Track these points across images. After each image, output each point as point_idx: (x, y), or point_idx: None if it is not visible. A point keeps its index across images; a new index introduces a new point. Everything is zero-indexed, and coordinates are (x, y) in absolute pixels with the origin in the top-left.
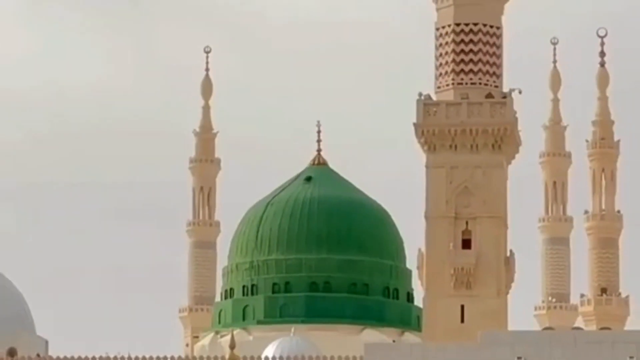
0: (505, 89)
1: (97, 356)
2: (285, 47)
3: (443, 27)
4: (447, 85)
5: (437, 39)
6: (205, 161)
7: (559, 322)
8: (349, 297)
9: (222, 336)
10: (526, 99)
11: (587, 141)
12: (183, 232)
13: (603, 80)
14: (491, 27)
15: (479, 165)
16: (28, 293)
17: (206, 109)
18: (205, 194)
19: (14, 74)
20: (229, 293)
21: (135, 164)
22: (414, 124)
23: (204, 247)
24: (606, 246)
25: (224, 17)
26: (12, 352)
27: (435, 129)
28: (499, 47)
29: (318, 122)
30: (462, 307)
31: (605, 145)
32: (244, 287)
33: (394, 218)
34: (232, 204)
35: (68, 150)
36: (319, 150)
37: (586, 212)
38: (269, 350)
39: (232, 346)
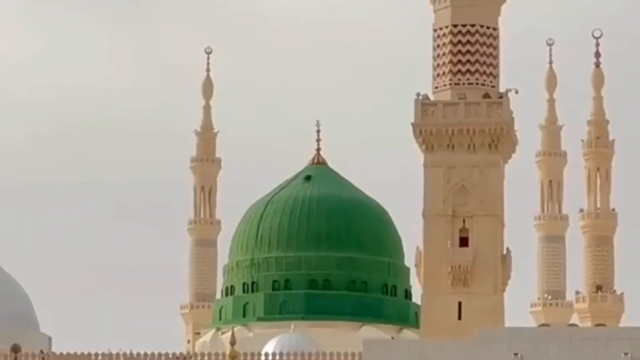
0: (502, 89)
1: (99, 353)
2: (285, 48)
3: (440, 29)
4: (445, 85)
5: (434, 40)
6: (206, 160)
7: (555, 318)
8: (348, 294)
9: (222, 333)
10: (522, 99)
11: (582, 141)
12: (184, 230)
13: (598, 80)
14: (488, 28)
15: (476, 165)
16: (31, 291)
17: (207, 109)
18: (206, 193)
19: (14, 74)
20: (229, 290)
21: (137, 163)
22: (412, 124)
23: (205, 245)
24: (601, 244)
25: (225, 18)
26: (16, 349)
27: (432, 128)
28: (496, 48)
29: (317, 121)
30: (460, 304)
31: (600, 145)
32: (244, 284)
33: (392, 216)
34: (232, 202)
35: (69, 150)
36: (318, 150)
37: (581, 210)
38: (269, 347)
39: (233, 342)
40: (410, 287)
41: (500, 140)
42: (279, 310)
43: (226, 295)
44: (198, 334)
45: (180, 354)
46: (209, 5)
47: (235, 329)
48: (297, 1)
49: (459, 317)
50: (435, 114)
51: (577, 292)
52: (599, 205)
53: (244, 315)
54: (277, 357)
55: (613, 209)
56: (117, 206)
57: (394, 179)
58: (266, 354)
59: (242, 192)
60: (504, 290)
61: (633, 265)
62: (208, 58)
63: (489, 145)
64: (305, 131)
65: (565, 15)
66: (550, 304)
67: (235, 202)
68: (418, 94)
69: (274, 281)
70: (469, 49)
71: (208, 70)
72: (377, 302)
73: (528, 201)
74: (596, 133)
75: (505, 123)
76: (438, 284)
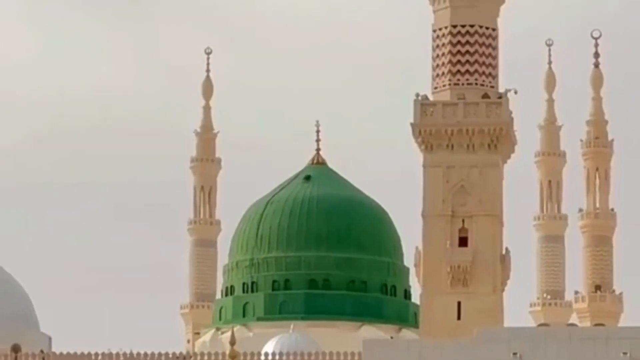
0: (501, 90)
1: (99, 352)
2: (285, 48)
3: (440, 29)
4: (444, 85)
5: (434, 40)
6: (206, 161)
7: (554, 318)
8: (347, 294)
9: (222, 332)
10: (521, 99)
11: (581, 141)
12: (184, 230)
13: (597, 80)
14: (487, 28)
15: (475, 165)
16: (31, 291)
17: (207, 109)
18: (206, 193)
19: (14, 74)
20: (229, 290)
21: (137, 163)
22: (411, 124)
23: (204, 245)
24: (600, 244)
25: (225, 18)
26: (16, 349)
27: (432, 128)
28: (495, 48)
29: (317, 122)
30: (459, 304)
31: (599, 145)
32: (244, 284)
33: (391, 216)
34: (232, 202)
35: (69, 150)
36: (318, 150)
37: (580, 210)
38: (269, 347)
39: (233, 342)
40: (409, 287)
41: (499, 140)
42: (278, 310)
43: (226, 295)
44: (198, 333)
45: (180, 353)
46: (208, 6)
47: (235, 329)
48: (296, 1)
49: (458, 317)
50: (435, 114)
51: (576, 292)
52: (598, 205)
53: (244, 315)
54: (277, 357)
55: (612, 209)
56: (117, 206)
57: (393, 179)
58: (266, 354)
59: (242, 192)
60: (503, 290)
61: (632, 265)
62: (208, 58)
63: (488, 145)
64: (304, 131)
65: (564, 16)
66: (550, 304)
67: (235, 202)
68: (417, 94)
69: (274, 281)
70: (468, 49)
71: (208, 70)
72: (376, 302)
73: (527, 201)
74: (595, 133)
75: (504, 123)
76: (437, 284)
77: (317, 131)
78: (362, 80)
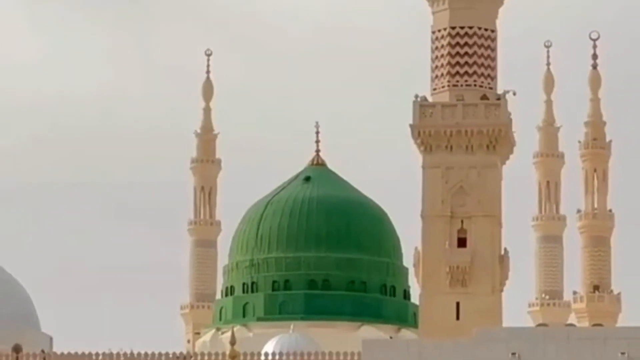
0: (500, 91)
1: (100, 352)
2: (285, 50)
3: (439, 31)
4: (443, 87)
5: (433, 42)
6: (206, 161)
7: (552, 318)
8: (347, 295)
9: (222, 333)
10: (520, 101)
11: (579, 142)
12: (184, 231)
13: (595, 82)
14: (486, 30)
15: (474, 166)
16: (32, 291)
17: (207, 110)
18: (206, 194)
19: (15, 75)
20: (229, 290)
21: (138, 164)
22: (410, 125)
23: (205, 246)
24: (598, 244)
25: (224, 20)
26: (17, 349)
27: (431, 130)
28: (494, 49)
29: (317, 123)
30: (458, 304)
31: (597, 146)
32: (244, 284)
33: (391, 217)
34: (232, 203)
35: (70, 151)
36: (317, 151)
37: (579, 211)
38: (269, 347)
39: (233, 342)
40: (408, 287)
41: (498, 141)
42: (278, 310)
43: (226, 295)
44: (198, 333)
45: (181, 353)
46: (208, 7)
47: (235, 329)
48: (296, 3)
49: (457, 317)
50: (434, 115)
51: (575, 292)
52: (596, 205)
53: (244, 315)
54: (277, 357)
55: (610, 210)
56: (118, 207)
57: (392, 180)
58: (266, 354)
59: (242, 192)
60: (501, 290)
61: (630, 266)
62: (208, 60)
63: (487, 146)
64: (304, 132)
65: (562, 18)
66: (548, 304)
67: (235, 203)
68: (416, 96)
69: (274, 281)
70: (467, 50)
71: (208, 72)
72: (376, 302)
73: (526, 202)
74: (593, 134)
75: (503, 124)
76: (436, 284)
77: (317, 132)
78: (361, 81)
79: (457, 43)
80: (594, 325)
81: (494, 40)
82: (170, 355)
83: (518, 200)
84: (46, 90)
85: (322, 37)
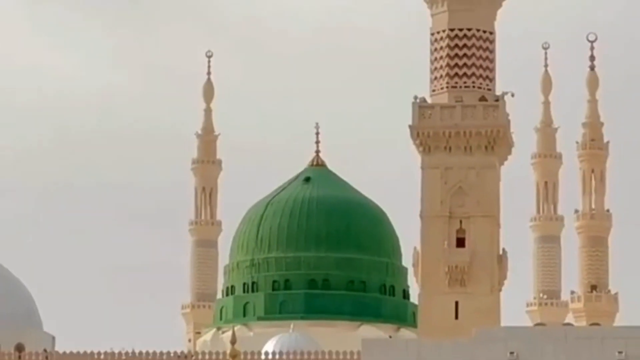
0: (498, 92)
1: (102, 352)
2: (285, 51)
3: (438, 32)
4: (442, 88)
5: (431, 43)
6: (207, 162)
7: (550, 318)
8: (346, 294)
9: (223, 332)
10: (518, 102)
11: (577, 143)
12: (185, 231)
13: (593, 83)
14: (484, 32)
15: (473, 166)
16: (35, 291)
17: (208, 112)
18: (207, 194)
19: (15, 76)
20: (230, 290)
21: (139, 165)
22: (410, 126)
23: (205, 246)
24: (596, 244)
25: (225, 21)
26: (19, 348)
27: (430, 131)
28: (492, 51)
29: (317, 124)
30: (457, 303)
31: (594, 147)
32: (244, 284)
33: (390, 217)
34: (233, 203)
35: (72, 152)
36: (317, 152)
37: (576, 211)
38: (269, 346)
39: (233, 342)
40: (408, 287)
41: (496, 142)
42: (278, 309)
43: (227, 295)
44: (199, 333)
45: (182, 352)
46: (209, 9)
47: (235, 328)
48: (296, 5)
49: (456, 317)
50: (433, 116)
51: (572, 292)
52: (593, 206)
53: (244, 315)
54: (277, 356)
55: (607, 210)
56: (120, 207)
57: (392, 181)
58: (266, 353)
59: (242, 193)
60: (500, 290)
61: (627, 266)
62: (209, 61)
63: (486, 147)
64: (304, 133)
65: (560, 20)
66: (546, 304)
67: (236, 203)
68: (415, 97)
69: (274, 281)
70: (466, 52)
71: (209, 73)
72: (375, 302)
73: (524, 202)
74: (591, 135)
75: (501, 125)
76: (435, 284)
77: (317, 133)
78: (361, 82)
79: (456, 45)
80: (592, 324)
81: (492, 42)
82: (172, 355)
83: (516, 201)
84: (46, 91)
85: (322, 39)
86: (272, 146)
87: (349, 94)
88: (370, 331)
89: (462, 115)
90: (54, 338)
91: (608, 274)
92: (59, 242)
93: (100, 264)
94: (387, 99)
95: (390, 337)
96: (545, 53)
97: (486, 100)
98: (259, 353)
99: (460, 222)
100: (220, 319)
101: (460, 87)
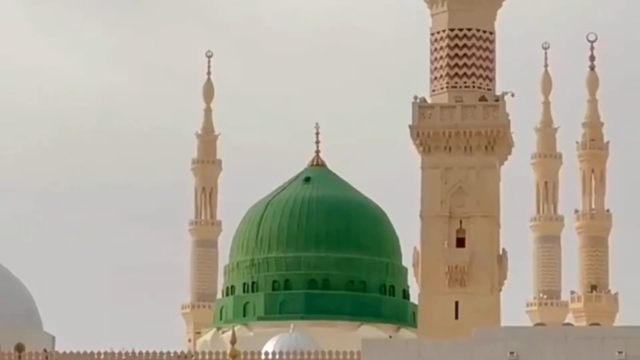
0: (498, 92)
1: (102, 352)
2: (285, 51)
3: (438, 33)
4: (442, 88)
5: (432, 43)
6: (207, 162)
7: (550, 318)
8: (346, 294)
9: (223, 332)
10: (518, 102)
11: (577, 143)
12: (185, 231)
13: (593, 83)
14: (484, 32)
15: (473, 166)
16: (35, 291)
17: (208, 112)
18: (207, 194)
19: (15, 76)
20: (230, 290)
21: (139, 165)
22: (410, 126)
23: (205, 246)
24: (596, 244)
25: (225, 22)
26: (19, 348)
27: (430, 131)
28: (492, 51)
29: (317, 124)
30: (457, 303)
31: (594, 147)
32: (244, 284)
33: (390, 217)
34: (233, 203)
35: (72, 152)
36: (317, 152)
37: (576, 211)
38: (269, 346)
39: (233, 341)
40: (408, 287)
41: (496, 142)
42: (278, 309)
43: (227, 295)
44: (199, 333)
45: (182, 352)
46: (209, 9)
47: (235, 328)
48: (296, 5)
49: (456, 317)
50: (433, 116)
51: (572, 292)
52: (593, 206)
53: (244, 315)
54: (277, 356)
55: (607, 210)
56: (120, 207)
57: (392, 181)
58: (266, 353)
59: (242, 193)
60: (500, 290)
61: (627, 266)
62: (209, 61)
63: (486, 147)
64: (304, 133)
65: (560, 20)
66: (546, 304)
67: (236, 203)
68: (415, 97)
69: (274, 281)
70: (466, 52)
71: (209, 73)
72: (375, 302)
73: (524, 202)
74: (591, 135)
75: (501, 125)
76: (435, 284)
77: (317, 133)
78: (361, 82)
79: (456, 45)
80: (592, 324)
81: (492, 42)
82: (172, 355)
83: (516, 201)
84: (46, 91)
85: (322, 39)
86: (272, 146)
87: (349, 94)
88: (370, 331)
89: (462, 115)
90: (54, 338)
91: (608, 274)
92: (59, 242)
93: (100, 264)
94: (387, 99)
95: (390, 337)
96: (545, 53)
97: (486, 100)
98: (259, 353)
99: (460, 222)
100: (220, 319)
101: (460, 87)
